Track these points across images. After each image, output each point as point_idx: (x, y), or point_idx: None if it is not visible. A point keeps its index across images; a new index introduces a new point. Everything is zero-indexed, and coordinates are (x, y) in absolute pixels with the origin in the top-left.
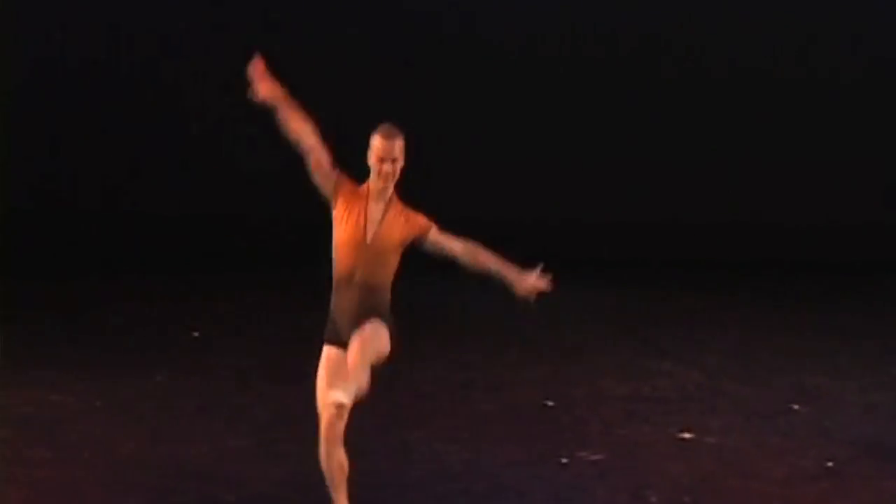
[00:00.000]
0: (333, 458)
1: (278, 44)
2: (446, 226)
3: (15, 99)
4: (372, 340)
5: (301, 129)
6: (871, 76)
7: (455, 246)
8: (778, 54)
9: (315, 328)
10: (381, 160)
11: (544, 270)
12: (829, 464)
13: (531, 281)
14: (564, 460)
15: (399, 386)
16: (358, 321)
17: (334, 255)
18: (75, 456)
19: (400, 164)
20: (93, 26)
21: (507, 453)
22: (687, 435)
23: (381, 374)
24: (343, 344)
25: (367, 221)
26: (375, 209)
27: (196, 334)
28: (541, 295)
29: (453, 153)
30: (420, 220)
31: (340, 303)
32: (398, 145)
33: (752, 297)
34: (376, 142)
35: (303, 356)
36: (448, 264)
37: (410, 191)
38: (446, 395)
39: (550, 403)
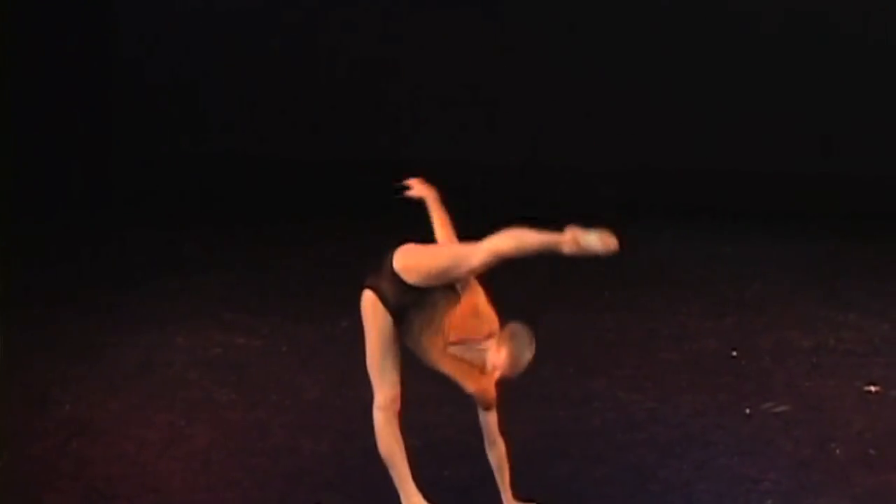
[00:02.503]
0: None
1: None
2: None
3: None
4: None
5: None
6: None
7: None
8: None
9: (496, 277)
10: (496, 367)
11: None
12: None
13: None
14: (748, 411)
15: (583, 335)
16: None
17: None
18: (262, 398)
19: None
20: None
21: (691, 403)
22: (873, 388)
23: (566, 323)
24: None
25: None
26: None
27: None
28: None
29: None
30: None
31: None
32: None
33: None
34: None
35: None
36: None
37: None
38: (630, 344)
39: (735, 354)
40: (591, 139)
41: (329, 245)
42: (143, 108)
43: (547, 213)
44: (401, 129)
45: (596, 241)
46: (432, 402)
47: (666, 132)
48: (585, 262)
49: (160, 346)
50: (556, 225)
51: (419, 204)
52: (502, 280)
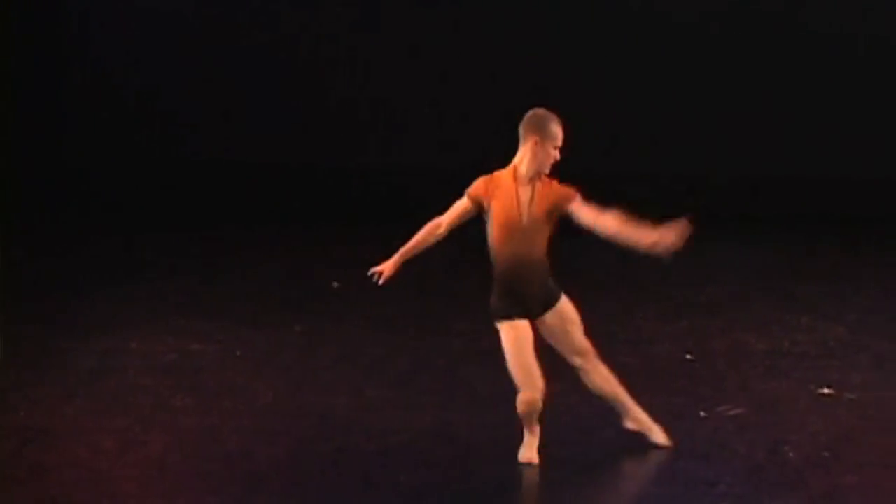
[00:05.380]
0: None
1: None
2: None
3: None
4: (575, 323)
5: (433, 233)
6: None
7: (596, 219)
8: None
9: (455, 280)
10: (557, 148)
11: (683, 223)
12: None
13: (668, 238)
14: (703, 414)
15: (538, 338)
16: (536, 296)
17: (493, 241)
18: (216, 404)
19: None
20: None
21: (646, 406)
22: (827, 390)
23: None
24: (525, 313)
25: (520, 204)
26: (524, 192)
27: (336, 285)
28: (680, 248)
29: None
30: (564, 192)
31: (519, 284)
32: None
33: (894, 252)
34: (558, 130)
35: (442, 307)
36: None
37: None
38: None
39: (690, 357)
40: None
41: (284, 251)
42: (98, 112)
43: None
44: (361, 136)
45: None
46: (388, 407)
47: (621, 136)
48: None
49: (115, 352)
50: None
51: (373, 215)
52: (465, 286)
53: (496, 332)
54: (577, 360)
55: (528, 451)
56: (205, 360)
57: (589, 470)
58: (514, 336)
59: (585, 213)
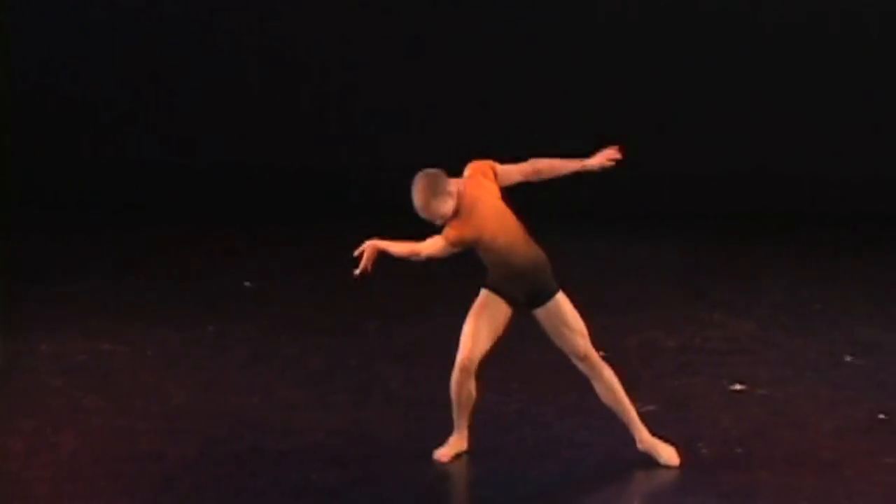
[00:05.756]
0: (464, 387)
1: None
2: None
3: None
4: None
5: (417, 248)
6: None
7: (521, 169)
8: None
9: (367, 280)
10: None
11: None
12: (882, 416)
13: (601, 159)
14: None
15: (452, 336)
16: (531, 280)
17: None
18: (128, 404)
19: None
20: None
21: (559, 404)
22: (738, 386)
23: (435, 324)
24: (509, 298)
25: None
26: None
27: (248, 284)
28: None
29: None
30: (482, 169)
31: (513, 268)
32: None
33: (804, 248)
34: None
35: (354, 307)
36: None
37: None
38: (496, 345)
39: (602, 354)
40: (476, 144)
41: (195, 251)
42: (14, 111)
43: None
44: (271, 136)
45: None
46: (300, 406)
47: (537, 133)
48: (452, 262)
49: (24, 353)
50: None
51: (286, 215)
52: (377, 282)
53: (412, 329)
54: (580, 366)
55: (447, 449)
56: (116, 361)
57: (503, 467)
58: (483, 304)
59: (511, 172)
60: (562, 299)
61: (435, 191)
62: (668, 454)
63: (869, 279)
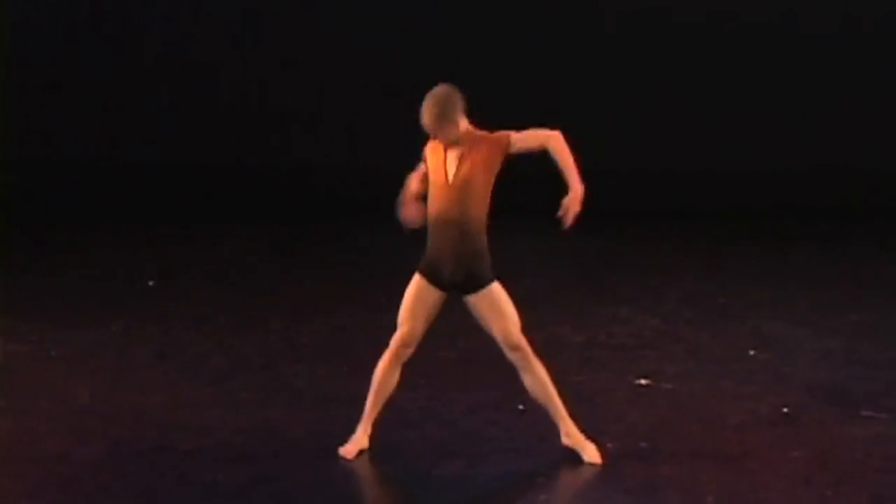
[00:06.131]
0: (389, 375)
1: None
2: None
3: None
4: (501, 314)
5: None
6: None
7: (538, 138)
8: None
9: (271, 279)
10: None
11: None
12: (785, 409)
13: (578, 197)
14: (521, 407)
15: (357, 334)
16: (458, 264)
17: (428, 201)
18: (32, 405)
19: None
20: None
21: (464, 401)
22: (643, 381)
23: (341, 322)
24: (438, 283)
25: (447, 165)
26: (453, 154)
27: (151, 283)
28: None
29: None
30: (497, 138)
31: (438, 244)
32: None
33: (708, 244)
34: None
35: (259, 305)
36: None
37: None
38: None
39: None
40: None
41: (99, 250)
42: None
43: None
44: (179, 132)
45: None
46: (205, 405)
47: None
48: (360, 260)
49: None
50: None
51: (190, 214)
52: (284, 280)
53: (317, 327)
54: (511, 356)
55: (351, 445)
56: (19, 361)
57: (408, 465)
58: (417, 288)
59: (528, 140)
60: (496, 289)
61: (442, 114)
62: (591, 453)
63: (772, 274)
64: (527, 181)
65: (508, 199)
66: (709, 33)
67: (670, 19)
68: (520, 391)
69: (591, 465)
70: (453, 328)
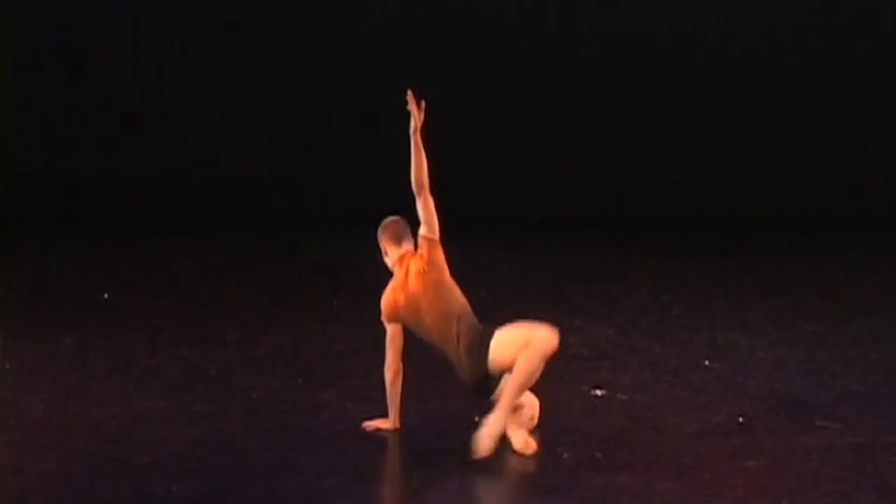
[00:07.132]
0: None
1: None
2: None
3: None
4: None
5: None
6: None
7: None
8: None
9: (226, 291)
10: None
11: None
12: (741, 419)
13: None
14: (477, 418)
15: (311, 345)
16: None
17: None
18: None
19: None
20: None
21: (420, 412)
22: (599, 392)
23: (295, 333)
24: None
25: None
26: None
27: (106, 296)
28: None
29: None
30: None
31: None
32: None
33: (663, 254)
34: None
35: (214, 317)
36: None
37: None
38: (358, 353)
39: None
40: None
41: (52, 262)
42: None
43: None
44: (132, 144)
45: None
46: (160, 417)
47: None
48: (314, 272)
49: None
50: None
51: (142, 226)
52: (239, 292)
53: (272, 339)
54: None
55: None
56: None
57: (363, 479)
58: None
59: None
60: (499, 334)
61: (382, 238)
62: (520, 442)
63: (726, 283)
64: (478, 191)
65: (464, 209)
66: (671, 46)
67: (637, 33)
68: (475, 402)
69: (518, 454)
70: (407, 340)
